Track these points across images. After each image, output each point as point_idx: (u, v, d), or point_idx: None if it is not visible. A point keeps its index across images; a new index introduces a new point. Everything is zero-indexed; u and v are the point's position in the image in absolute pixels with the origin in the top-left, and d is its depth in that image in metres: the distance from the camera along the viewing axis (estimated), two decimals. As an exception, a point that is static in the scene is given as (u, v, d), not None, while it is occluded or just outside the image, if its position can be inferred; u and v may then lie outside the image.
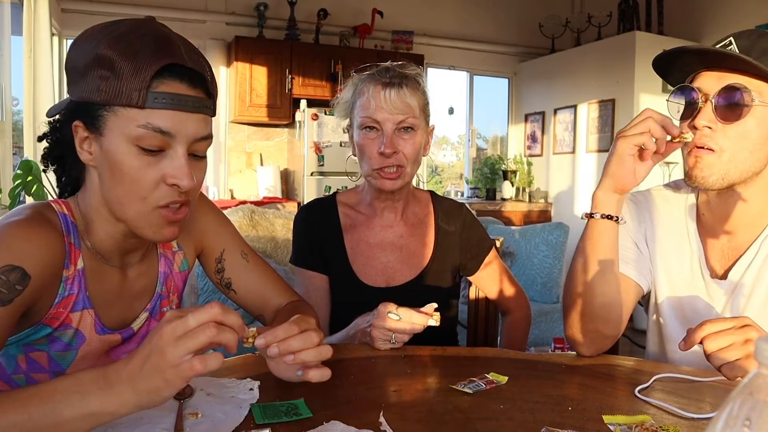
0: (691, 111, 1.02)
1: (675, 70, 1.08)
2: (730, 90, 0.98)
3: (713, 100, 0.99)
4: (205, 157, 0.88)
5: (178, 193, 0.83)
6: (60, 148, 0.90)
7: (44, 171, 0.95)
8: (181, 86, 0.81)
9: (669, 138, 0.97)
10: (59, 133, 0.89)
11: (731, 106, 0.98)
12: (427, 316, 1.06)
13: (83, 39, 0.83)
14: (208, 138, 0.85)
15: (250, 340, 0.78)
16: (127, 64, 0.78)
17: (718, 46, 1.01)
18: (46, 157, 0.93)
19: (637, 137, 0.96)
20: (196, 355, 0.64)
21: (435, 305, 1.08)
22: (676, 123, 1.06)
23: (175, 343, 0.64)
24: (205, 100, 0.84)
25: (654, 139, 0.97)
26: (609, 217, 1.02)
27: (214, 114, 0.87)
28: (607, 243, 1.04)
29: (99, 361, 0.92)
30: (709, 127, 0.99)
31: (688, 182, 1.04)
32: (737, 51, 0.98)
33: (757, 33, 1.00)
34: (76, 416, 0.64)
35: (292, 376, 0.86)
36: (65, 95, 0.88)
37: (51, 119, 0.90)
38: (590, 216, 1.04)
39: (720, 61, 1.00)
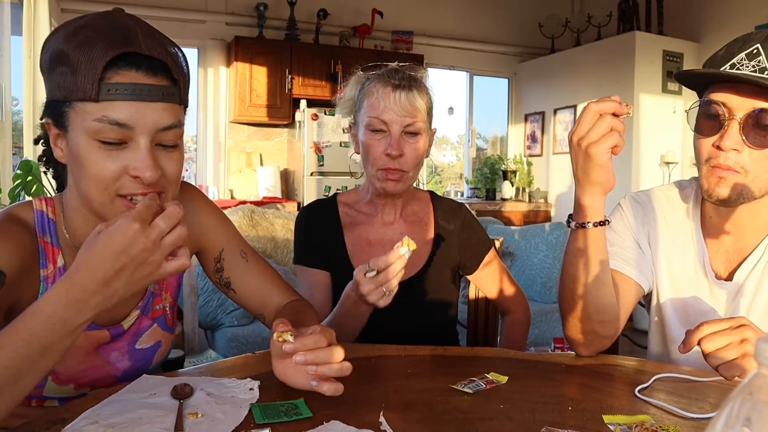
0: (714, 128, 0.98)
1: (698, 76, 1.04)
2: (762, 113, 0.93)
3: (741, 121, 0.95)
4: (177, 146, 0.85)
5: (143, 185, 0.81)
6: (49, 148, 0.91)
7: (45, 173, 0.97)
8: (138, 75, 0.79)
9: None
10: (44, 133, 0.91)
11: (761, 130, 0.94)
12: (396, 250, 1.03)
13: (49, 36, 0.83)
14: (174, 127, 0.83)
15: (285, 337, 0.82)
16: (81, 57, 0.77)
17: (744, 53, 0.96)
18: (41, 158, 0.95)
19: (608, 140, 0.88)
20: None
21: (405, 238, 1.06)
22: (689, 127, 1.03)
23: (159, 249, 0.70)
24: (169, 88, 0.81)
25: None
26: (601, 224, 0.98)
27: (181, 101, 0.85)
28: (599, 247, 1.00)
29: (87, 358, 0.92)
30: (736, 150, 0.95)
31: (706, 197, 1.02)
32: (765, 59, 0.94)
33: None
34: (65, 334, 0.69)
35: (298, 381, 0.86)
36: None
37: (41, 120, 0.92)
38: (582, 226, 0.98)
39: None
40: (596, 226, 0.97)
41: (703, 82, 1.04)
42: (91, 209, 0.85)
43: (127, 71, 0.78)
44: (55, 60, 0.79)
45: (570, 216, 1.00)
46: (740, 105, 0.95)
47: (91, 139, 0.79)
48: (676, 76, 1.07)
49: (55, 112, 0.81)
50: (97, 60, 0.76)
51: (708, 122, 0.99)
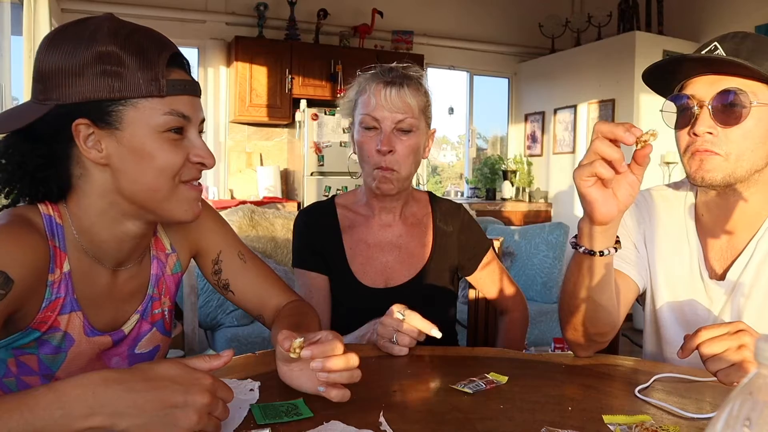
0: (687, 119, 1.01)
1: (666, 80, 1.07)
2: (726, 93, 0.97)
3: (709, 106, 0.98)
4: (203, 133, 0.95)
5: (199, 170, 0.89)
6: (33, 163, 0.83)
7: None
8: (183, 73, 0.86)
9: (636, 147, 0.80)
10: (38, 144, 0.83)
11: (729, 110, 0.97)
12: (431, 326, 1.05)
13: (61, 41, 0.81)
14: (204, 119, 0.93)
15: (297, 351, 0.81)
16: (136, 58, 0.81)
17: (703, 52, 1.00)
18: (36, 167, 0.83)
19: (586, 168, 0.82)
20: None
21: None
22: (667, 126, 1.05)
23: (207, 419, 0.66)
24: (198, 85, 0.90)
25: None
26: (590, 253, 0.91)
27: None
28: (595, 271, 0.93)
29: (89, 365, 0.91)
30: (710, 133, 0.98)
31: (693, 183, 1.02)
32: (722, 52, 0.98)
33: (740, 35, 1.00)
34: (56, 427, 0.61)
35: (303, 385, 0.86)
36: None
37: (10, 137, 0.83)
38: (574, 246, 0.93)
39: (711, 66, 0.99)
40: (585, 253, 0.92)
41: (676, 81, 1.06)
42: (152, 203, 0.86)
43: (177, 69, 0.86)
44: (96, 61, 0.79)
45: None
46: (706, 92, 0.99)
47: (158, 132, 0.83)
48: (645, 80, 1.09)
49: (98, 111, 0.81)
50: (156, 59, 0.82)
51: (682, 115, 1.03)
